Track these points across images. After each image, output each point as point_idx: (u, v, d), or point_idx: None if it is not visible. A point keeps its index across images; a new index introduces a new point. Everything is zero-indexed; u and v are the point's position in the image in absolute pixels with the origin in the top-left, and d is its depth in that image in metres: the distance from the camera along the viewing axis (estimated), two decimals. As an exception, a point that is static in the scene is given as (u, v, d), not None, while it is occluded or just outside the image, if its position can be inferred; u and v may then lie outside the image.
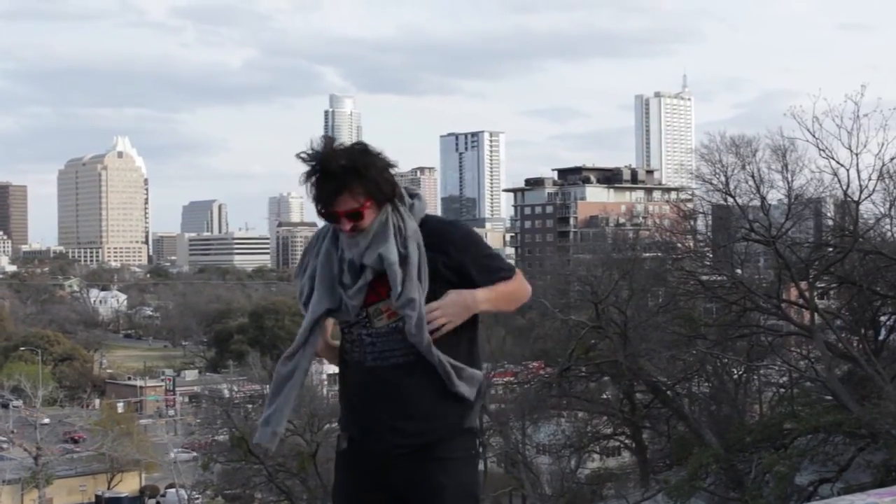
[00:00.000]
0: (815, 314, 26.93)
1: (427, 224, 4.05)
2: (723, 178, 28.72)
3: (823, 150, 26.07)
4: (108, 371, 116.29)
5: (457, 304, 3.96)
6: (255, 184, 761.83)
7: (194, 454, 63.75)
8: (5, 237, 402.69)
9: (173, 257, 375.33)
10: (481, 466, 35.62)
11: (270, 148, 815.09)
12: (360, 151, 3.93)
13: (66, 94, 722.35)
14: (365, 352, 4.04)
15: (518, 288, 4.13)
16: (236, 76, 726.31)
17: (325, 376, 54.97)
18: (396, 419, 4.01)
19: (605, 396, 35.49)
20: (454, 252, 4.00)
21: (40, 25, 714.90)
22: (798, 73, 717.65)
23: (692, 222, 34.21)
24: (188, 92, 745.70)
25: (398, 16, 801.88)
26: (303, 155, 3.90)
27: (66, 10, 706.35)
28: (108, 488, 65.08)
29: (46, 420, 67.46)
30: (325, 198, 3.90)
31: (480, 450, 4.29)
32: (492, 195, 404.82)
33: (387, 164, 3.96)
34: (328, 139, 3.95)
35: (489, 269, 4.05)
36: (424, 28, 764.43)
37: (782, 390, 32.57)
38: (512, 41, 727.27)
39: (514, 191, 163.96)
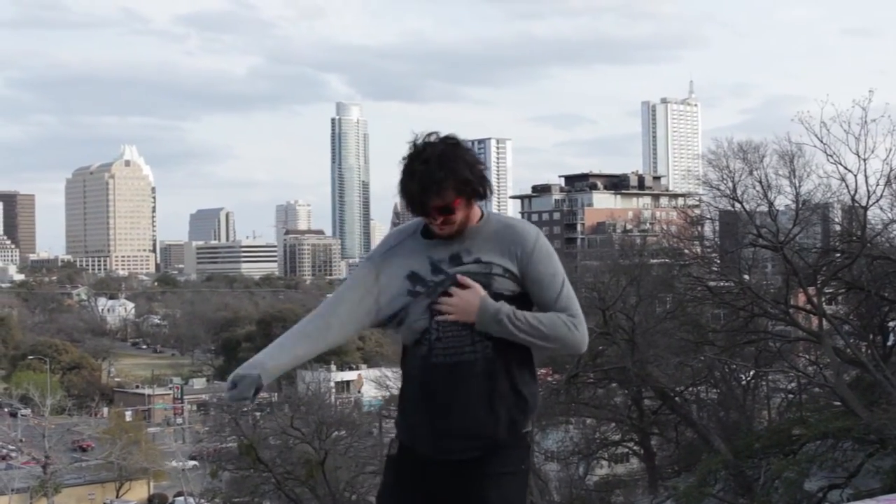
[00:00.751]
0: (824, 320, 26.87)
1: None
2: (730, 184, 28.71)
3: (831, 156, 26.10)
4: (117, 379, 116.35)
5: (469, 303, 3.93)
6: (262, 191, 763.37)
7: (193, 463, 63.92)
8: (13, 246, 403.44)
9: (181, 265, 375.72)
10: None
11: (277, 155, 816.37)
12: (453, 145, 3.92)
13: (71, 102, 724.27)
14: (432, 347, 3.98)
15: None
16: (241, 84, 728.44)
17: (332, 384, 55.03)
18: (452, 423, 3.95)
19: (613, 402, 35.42)
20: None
21: (44, 34, 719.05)
22: (804, 78, 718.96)
23: (699, 228, 34.19)
24: (193, 99, 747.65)
25: (401, 23, 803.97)
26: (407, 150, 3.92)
27: (69, 19, 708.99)
28: (117, 497, 65.12)
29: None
30: (417, 191, 3.88)
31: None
32: (499, 202, 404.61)
33: (477, 160, 3.95)
34: (426, 136, 3.95)
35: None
36: (428, 35, 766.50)
37: (791, 396, 32.54)
38: (516, 48, 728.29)
39: (521, 197, 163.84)
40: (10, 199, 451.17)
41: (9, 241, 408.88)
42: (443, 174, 3.86)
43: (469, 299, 3.91)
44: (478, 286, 3.92)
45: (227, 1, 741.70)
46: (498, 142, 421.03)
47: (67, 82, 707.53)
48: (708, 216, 33.39)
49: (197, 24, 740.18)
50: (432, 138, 3.93)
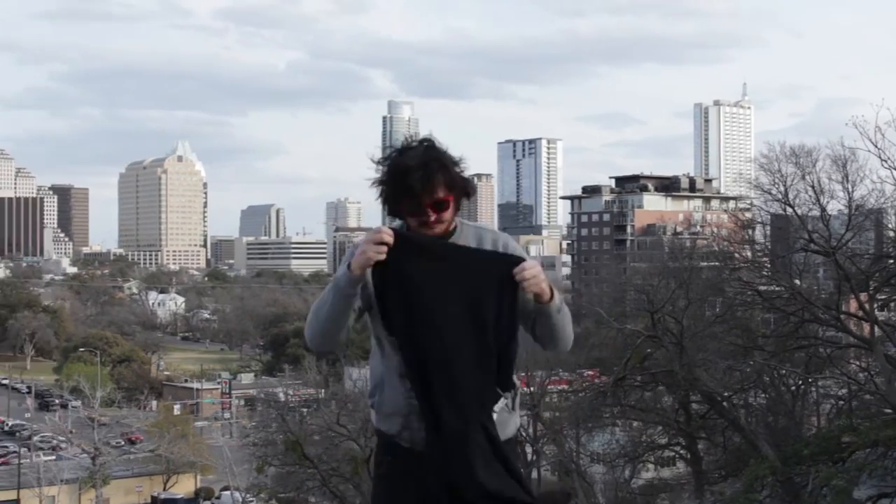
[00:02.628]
0: (875, 326, 26.60)
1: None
2: (782, 188, 28.53)
3: (885, 161, 25.81)
4: (166, 373, 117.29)
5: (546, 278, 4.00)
6: (311, 188, 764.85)
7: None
8: (67, 239, 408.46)
9: (231, 261, 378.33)
10: (534, 475, 35.59)
11: (326, 152, 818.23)
12: (435, 146, 3.96)
13: (115, 95, 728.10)
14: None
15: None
16: (282, 78, 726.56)
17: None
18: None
19: (660, 406, 35.26)
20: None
21: (84, 27, 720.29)
22: (859, 81, 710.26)
23: (750, 232, 33.97)
24: (236, 94, 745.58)
25: (444, 21, 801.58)
26: (386, 152, 3.96)
27: (109, 11, 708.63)
28: (164, 489, 65.65)
29: (105, 420, 68.22)
30: (418, 184, 3.87)
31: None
32: (549, 202, 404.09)
33: (458, 161, 3.99)
34: (406, 139, 3.99)
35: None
36: (471, 33, 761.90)
37: (841, 403, 32.19)
38: (561, 46, 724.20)
39: (572, 198, 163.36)
40: (64, 193, 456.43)
41: (63, 234, 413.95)
42: (438, 169, 3.89)
43: (543, 275, 3.95)
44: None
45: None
46: (548, 142, 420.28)
47: (110, 76, 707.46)
48: (759, 220, 33.19)
49: (235, 18, 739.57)
50: (412, 141, 3.98)
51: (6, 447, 75.47)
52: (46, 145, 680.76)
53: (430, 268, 3.88)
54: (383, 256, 3.80)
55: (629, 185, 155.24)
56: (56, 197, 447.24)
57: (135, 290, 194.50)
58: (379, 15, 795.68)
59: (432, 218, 3.92)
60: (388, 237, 3.80)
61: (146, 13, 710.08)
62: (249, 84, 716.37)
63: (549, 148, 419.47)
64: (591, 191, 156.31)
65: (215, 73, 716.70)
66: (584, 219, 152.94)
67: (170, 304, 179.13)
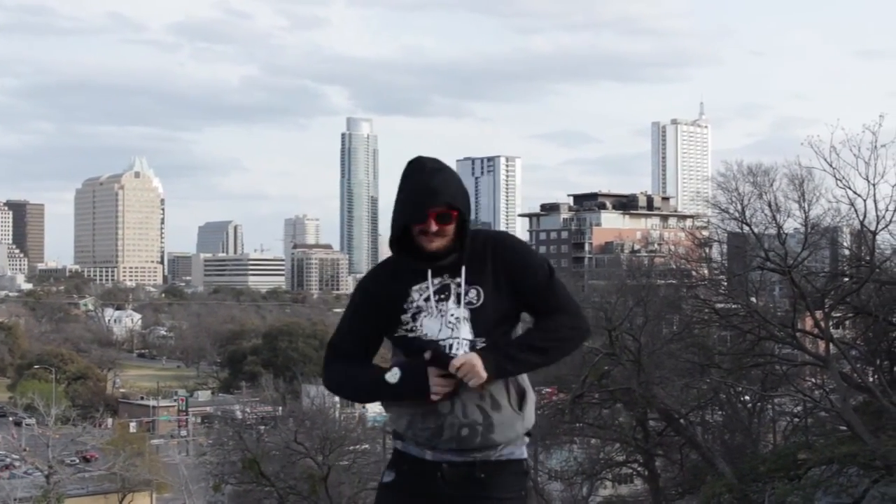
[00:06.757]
0: (831, 344, 26.79)
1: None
2: (739, 207, 28.70)
3: (840, 180, 26.05)
4: (122, 390, 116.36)
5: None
6: (270, 205, 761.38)
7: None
8: (22, 255, 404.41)
9: (188, 277, 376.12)
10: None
11: (284, 169, 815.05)
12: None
13: (68, 110, 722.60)
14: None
15: None
16: (236, 94, 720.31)
17: (337, 399, 54.87)
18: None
19: (618, 423, 35.37)
20: None
21: (32, 41, 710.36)
22: (814, 100, 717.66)
23: (707, 250, 34.17)
24: (191, 109, 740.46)
25: (399, 38, 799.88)
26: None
27: (58, 25, 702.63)
28: (120, 508, 65.03)
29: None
30: (431, 189, 3.89)
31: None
32: (507, 220, 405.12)
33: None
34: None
35: None
36: (428, 51, 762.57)
37: (797, 420, 32.43)
38: (517, 63, 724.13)
39: (530, 216, 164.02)
40: (19, 209, 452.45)
41: (17, 250, 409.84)
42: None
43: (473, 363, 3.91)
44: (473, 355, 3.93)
45: (219, 10, 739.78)
46: (507, 159, 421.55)
47: (62, 90, 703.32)
48: (716, 238, 33.38)
49: (188, 33, 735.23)
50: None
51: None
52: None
53: None
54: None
55: (587, 202, 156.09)
56: (11, 212, 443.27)
57: (91, 307, 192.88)
58: (333, 31, 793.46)
59: (433, 229, 3.90)
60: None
61: (97, 27, 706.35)
62: (203, 100, 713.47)
63: (507, 165, 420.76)
64: (550, 208, 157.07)
65: (168, 89, 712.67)
66: (543, 236, 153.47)
67: (126, 321, 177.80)
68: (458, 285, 3.98)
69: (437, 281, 3.99)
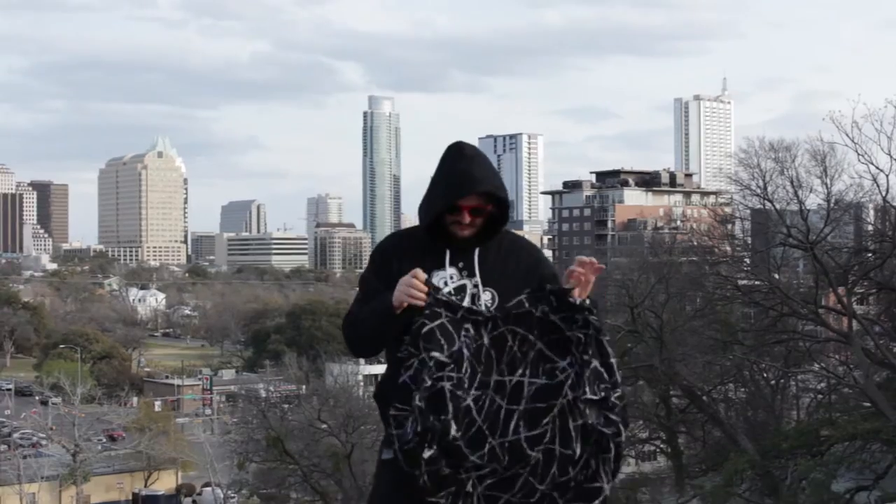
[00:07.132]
0: (854, 320, 26.74)
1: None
2: (761, 183, 28.63)
3: (862, 156, 25.96)
4: (146, 369, 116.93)
5: None
6: (291, 183, 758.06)
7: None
8: (46, 235, 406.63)
9: (212, 257, 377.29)
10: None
11: (304, 146, 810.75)
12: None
13: (80, 88, 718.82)
14: None
15: None
16: (248, 70, 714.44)
17: (360, 377, 55.04)
18: None
19: (641, 400, 35.37)
20: None
21: (38, 18, 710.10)
22: (835, 72, 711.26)
23: (730, 227, 34.08)
24: (204, 86, 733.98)
25: (410, 13, 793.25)
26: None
27: (63, 2, 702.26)
28: (145, 486, 65.49)
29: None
30: (474, 176, 3.84)
31: None
32: (530, 197, 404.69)
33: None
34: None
35: None
36: (440, 25, 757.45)
37: (820, 397, 32.39)
38: (531, 38, 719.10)
39: (552, 193, 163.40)
40: (44, 189, 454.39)
41: (42, 231, 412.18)
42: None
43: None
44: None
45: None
46: (530, 137, 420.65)
47: (70, 68, 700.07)
48: (738, 215, 33.29)
49: (195, 9, 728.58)
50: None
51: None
52: (13, 139, 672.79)
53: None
54: (420, 303, 3.73)
55: (609, 179, 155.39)
56: (35, 193, 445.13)
57: (115, 287, 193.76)
58: (344, 6, 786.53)
59: (466, 220, 3.86)
60: (422, 276, 3.74)
61: (103, 4, 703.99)
62: (215, 76, 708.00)
63: (530, 143, 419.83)
64: (572, 186, 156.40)
65: (179, 65, 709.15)
66: (565, 214, 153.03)
67: (150, 301, 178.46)
68: (475, 286, 3.93)
69: (455, 277, 3.95)
